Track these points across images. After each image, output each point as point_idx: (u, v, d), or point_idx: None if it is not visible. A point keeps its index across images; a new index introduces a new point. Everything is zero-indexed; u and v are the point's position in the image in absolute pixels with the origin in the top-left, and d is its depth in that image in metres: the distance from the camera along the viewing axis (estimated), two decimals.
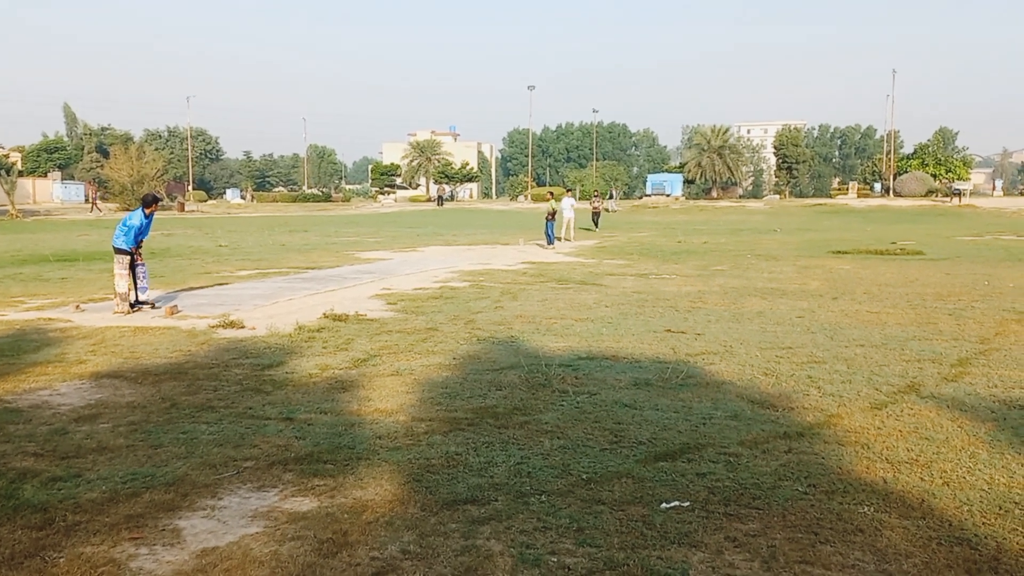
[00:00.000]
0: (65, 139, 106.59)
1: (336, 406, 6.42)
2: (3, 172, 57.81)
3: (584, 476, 4.85)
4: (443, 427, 5.84)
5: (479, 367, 7.81)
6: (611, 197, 65.17)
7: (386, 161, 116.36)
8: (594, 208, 38.50)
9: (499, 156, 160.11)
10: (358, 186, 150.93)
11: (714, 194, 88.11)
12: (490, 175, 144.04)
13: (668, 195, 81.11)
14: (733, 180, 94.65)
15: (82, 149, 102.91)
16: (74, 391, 6.90)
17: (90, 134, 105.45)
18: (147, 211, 11.66)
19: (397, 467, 5.02)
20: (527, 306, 12.02)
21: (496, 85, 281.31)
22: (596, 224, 37.23)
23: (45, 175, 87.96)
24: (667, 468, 4.99)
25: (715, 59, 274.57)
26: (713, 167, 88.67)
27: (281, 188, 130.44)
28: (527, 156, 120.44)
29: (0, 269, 17.79)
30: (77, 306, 11.51)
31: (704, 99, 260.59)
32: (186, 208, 62.10)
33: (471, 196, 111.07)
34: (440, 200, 74.55)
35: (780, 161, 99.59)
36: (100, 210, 55.10)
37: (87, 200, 71.80)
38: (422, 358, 8.23)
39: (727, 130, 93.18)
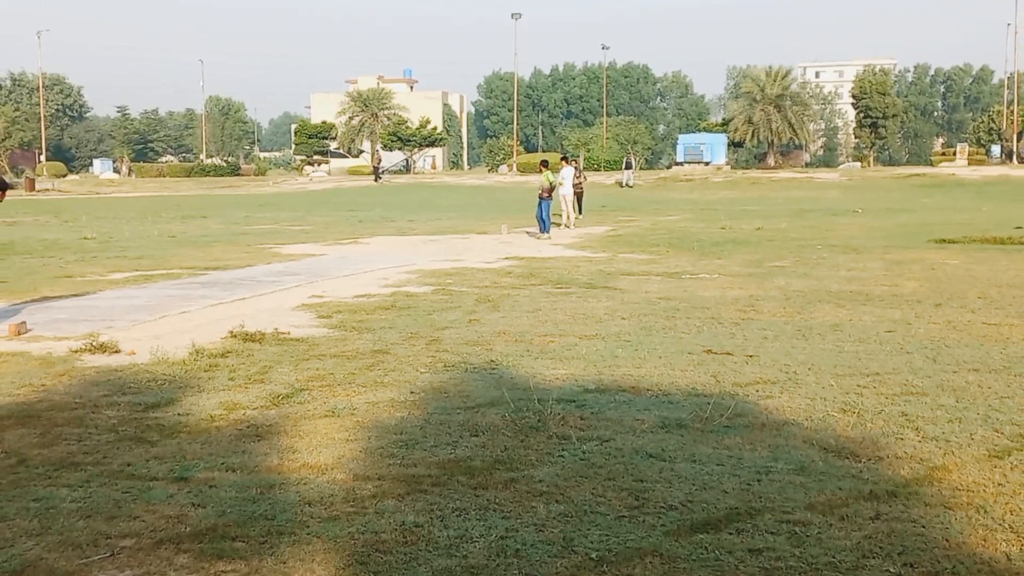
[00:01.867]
0: None
1: (248, 461, 6.41)
2: None
3: (593, 555, 4.86)
4: (397, 488, 5.84)
5: (447, 404, 7.81)
6: (628, 167, 65.38)
7: (315, 119, 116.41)
8: (575, 182, 33.26)
9: (472, 111, 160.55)
10: (277, 154, 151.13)
11: (770, 161, 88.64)
12: (460, 137, 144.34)
13: (707, 163, 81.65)
14: (797, 142, 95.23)
15: None
16: None
17: None
18: None
19: (334, 544, 5.01)
20: (513, 319, 12.03)
21: (468, 14, 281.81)
22: (579, 207, 34.14)
23: None
24: (708, 542, 5.00)
25: None
26: (769, 124, 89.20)
27: (170, 157, 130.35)
28: (511, 111, 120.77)
29: None
30: None
31: (757, 31, 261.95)
32: (37, 186, 61.90)
33: (434, 166, 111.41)
34: (377, 174, 74.40)
35: (861, 116, 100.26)
36: None
37: None
38: (367, 392, 8.23)
39: (788, 73, 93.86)
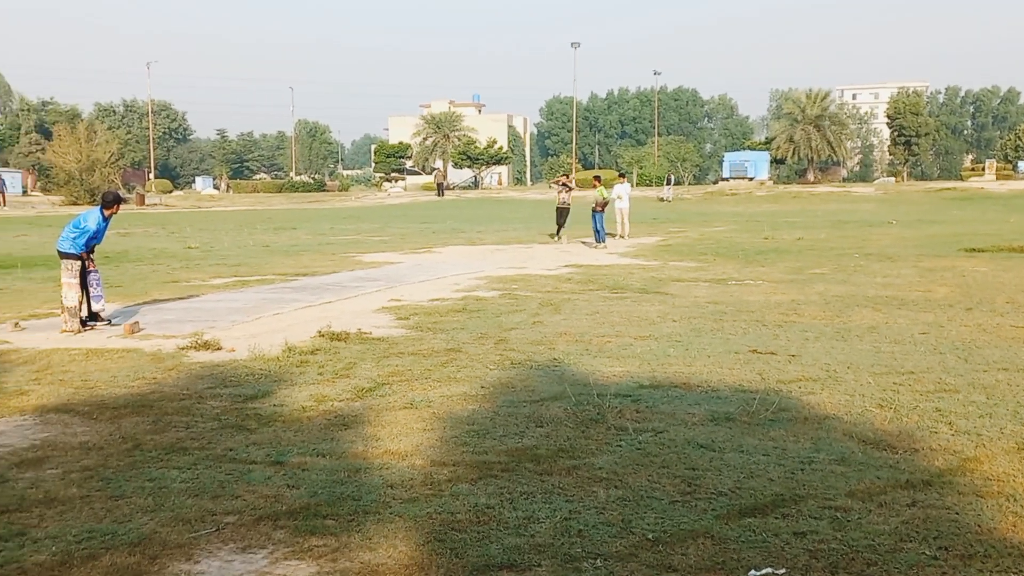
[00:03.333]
0: None
1: (336, 447, 6.49)
2: None
3: (650, 535, 4.86)
4: (470, 473, 5.88)
5: (514, 398, 7.85)
6: (668, 183, 64.88)
7: (393, 140, 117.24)
8: (561, 201, 28.23)
9: (535, 132, 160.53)
10: (358, 171, 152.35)
11: (810, 177, 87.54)
12: (524, 155, 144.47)
13: (751, 178, 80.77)
14: (835, 159, 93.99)
15: (18, 129, 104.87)
16: (15, 429, 7.05)
17: (28, 110, 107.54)
18: (106, 212, 11.92)
19: (414, 523, 5.06)
20: (573, 321, 12.04)
21: (531, 43, 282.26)
22: (560, 228, 28.22)
23: None
24: (755, 526, 4.99)
25: (812, 4, 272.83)
26: (809, 142, 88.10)
27: (263, 175, 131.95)
28: (570, 131, 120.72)
29: None
30: (16, 324, 11.74)
31: (797, 56, 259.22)
32: (147, 201, 63.09)
33: (500, 182, 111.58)
34: (440, 189, 74.63)
35: (895, 134, 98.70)
36: (4, 204, 56.31)
37: (25, 192, 73.43)
38: (442, 387, 8.29)
39: (827, 95, 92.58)
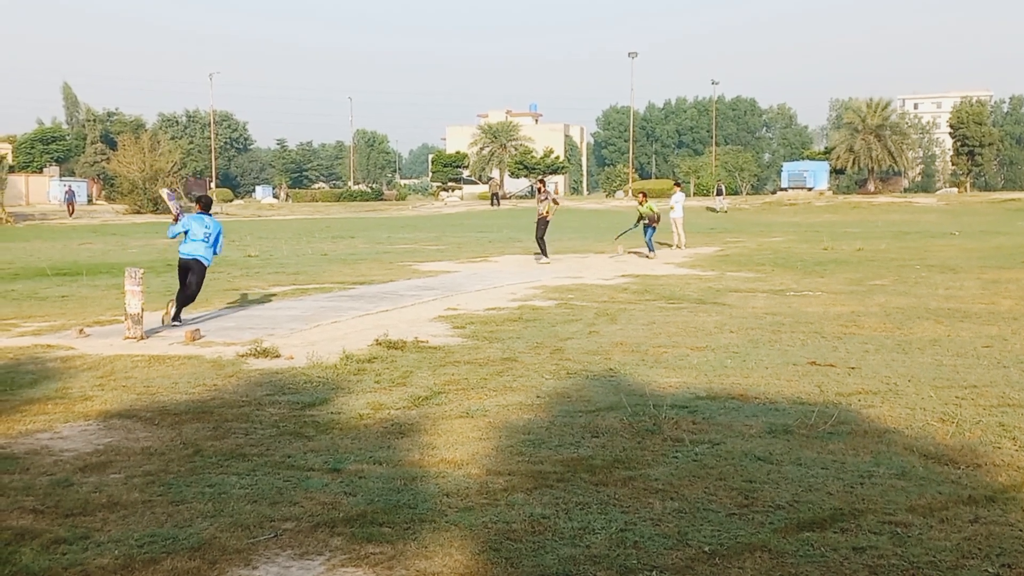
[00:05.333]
0: (64, 127, 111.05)
1: (393, 455, 6.54)
2: None
3: (706, 548, 4.83)
4: (526, 483, 5.88)
5: (570, 408, 7.84)
6: (719, 193, 64.37)
7: (450, 149, 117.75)
8: (541, 215, 24.77)
9: (591, 141, 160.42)
10: (415, 181, 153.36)
11: (871, 187, 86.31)
12: (580, 165, 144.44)
13: (810, 188, 79.93)
14: (896, 169, 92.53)
15: (84, 139, 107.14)
16: (79, 434, 7.20)
17: (94, 120, 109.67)
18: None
19: (469, 532, 5.08)
20: (629, 331, 12.00)
21: (588, 53, 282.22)
22: (542, 246, 24.41)
23: (40, 170, 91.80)
24: (814, 540, 4.93)
25: (871, 11, 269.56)
26: (869, 152, 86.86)
27: (322, 184, 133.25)
28: (627, 141, 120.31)
29: None
30: (81, 330, 12.00)
31: (857, 64, 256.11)
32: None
33: (557, 192, 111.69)
34: (495, 198, 74.65)
35: (958, 144, 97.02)
36: (72, 214, 57.61)
37: (90, 201, 75.11)
38: (498, 396, 8.31)
39: (888, 105, 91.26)
